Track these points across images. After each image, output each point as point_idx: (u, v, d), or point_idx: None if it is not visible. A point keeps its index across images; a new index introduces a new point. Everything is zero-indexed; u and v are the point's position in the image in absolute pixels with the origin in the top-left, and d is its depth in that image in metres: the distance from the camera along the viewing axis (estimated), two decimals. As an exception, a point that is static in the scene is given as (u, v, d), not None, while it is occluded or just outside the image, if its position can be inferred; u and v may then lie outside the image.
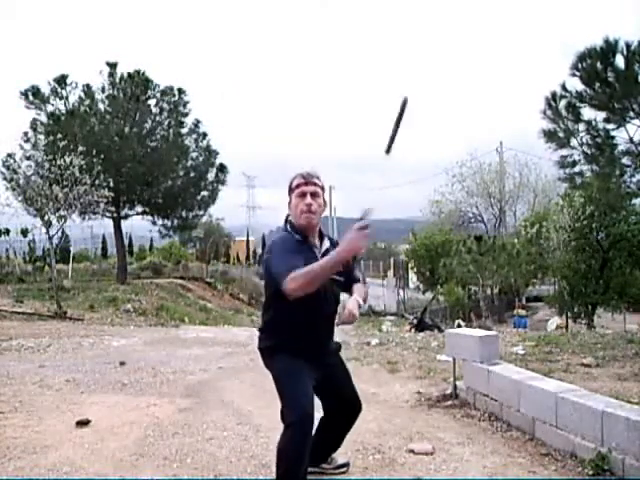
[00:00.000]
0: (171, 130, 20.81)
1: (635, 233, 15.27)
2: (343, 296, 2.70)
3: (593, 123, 8.00)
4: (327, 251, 2.56)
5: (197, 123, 21.27)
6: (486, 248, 18.92)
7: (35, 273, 20.01)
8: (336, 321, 2.60)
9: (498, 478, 3.02)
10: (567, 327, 15.48)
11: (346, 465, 3.07)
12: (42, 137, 18.47)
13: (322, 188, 2.61)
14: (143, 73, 19.91)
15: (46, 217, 13.53)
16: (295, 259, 2.33)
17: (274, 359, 2.58)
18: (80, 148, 14.38)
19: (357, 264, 2.80)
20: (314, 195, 2.54)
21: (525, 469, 3.12)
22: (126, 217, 21.52)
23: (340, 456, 3.08)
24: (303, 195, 2.53)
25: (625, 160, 8.07)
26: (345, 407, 2.76)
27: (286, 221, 2.62)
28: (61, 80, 19.28)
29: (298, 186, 2.55)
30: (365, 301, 2.69)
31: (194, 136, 21.42)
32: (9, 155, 16.19)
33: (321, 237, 2.65)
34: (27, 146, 18.29)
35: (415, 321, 13.48)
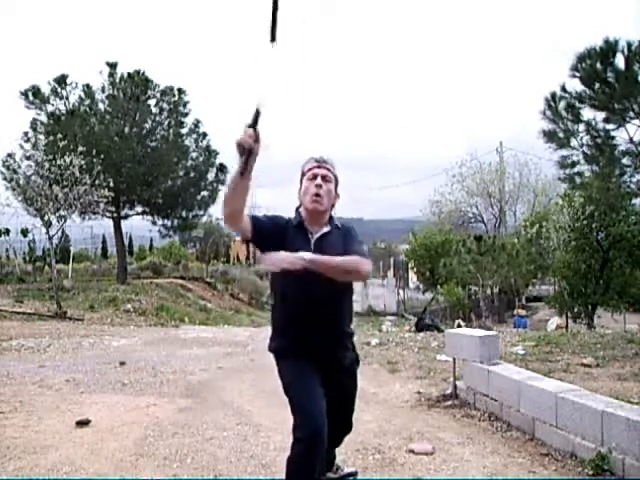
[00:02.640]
0: (171, 130, 20.78)
1: (635, 233, 15.27)
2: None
3: (593, 123, 8.00)
4: (324, 236, 2.40)
5: (197, 123, 21.23)
6: (486, 248, 18.87)
7: (35, 273, 19.97)
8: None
9: (498, 478, 3.02)
10: (567, 327, 15.48)
11: (353, 474, 2.93)
12: (42, 137, 18.41)
13: (336, 178, 2.46)
14: (143, 73, 19.88)
15: (46, 217, 13.53)
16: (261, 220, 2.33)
17: (281, 365, 2.46)
18: (80, 148, 14.36)
19: (359, 244, 2.42)
20: (325, 179, 2.39)
21: (525, 469, 3.12)
22: (126, 217, 21.48)
23: (346, 465, 3.01)
24: (314, 177, 2.39)
25: (625, 160, 8.06)
26: (334, 430, 2.49)
27: (296, 210, 2.48)
28: (61, 80, 19.25)
29: (310, 169, 2.42)
30: (349, 272, 2.26)
31: (194, 136, 21.38)
32: (9, 155, 16.16)
33: (329, 225, 2.45)
34: (27, 146, 18.22)
35: (416, 319, 13.47)
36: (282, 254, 2.14)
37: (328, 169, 2.42)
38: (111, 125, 19.46)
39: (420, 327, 12.15)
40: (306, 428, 2.22)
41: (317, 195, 2.36)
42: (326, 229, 2.43)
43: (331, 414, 2.36)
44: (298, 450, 2.24)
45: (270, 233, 2.32)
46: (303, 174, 2.44)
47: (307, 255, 2.17)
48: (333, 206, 2.48)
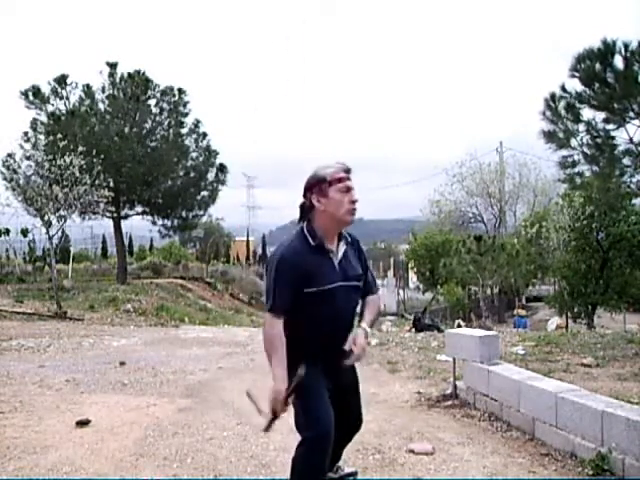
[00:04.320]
0: (171, 130, 20.77)
1: (635, 233, 15.29)
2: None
3: (593, 123, 7.98)
4: (344, 256, 2.37)
5: (197, 123, 21.22)
6: (486, 248, 18.87)
7: (35, 273, 19.97)
8: (346, 361, 2.33)
9: (498, 478, 3.02)
10: (567, 327, 15.49)
11: (353, 474, 2.91)
12: (42, 137, 18.43)
13: None
14: (143, 73, 19.88)
15: (46, 217, 13.52)
16: (288, 296, 2.24)
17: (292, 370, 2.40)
18: (80, 148, 14.35)
19: (367, 263, 2.57)
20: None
21: (525, 469, 3.12)
22: (126, 217, 21.48)
23: (347, 465, 2.99)
24: (348, 190, 2.28)
25: (625, 160, 8.05)
26: (345, 425, 2.51)
27: (308, 221, 2.34)
28: (61, 80, 19.25)
29: (340, 180, 2.27)
30: (376, 320, 2.53)
31: (194, 136, 21.38)
32: (9, 155, 16.13)
33: (339, 238, 2.39)
34: (27, 146, 18.22)
35: (414, 317, 13.49)
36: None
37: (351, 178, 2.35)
38: (111, 125, 19.46)
39: (420, 327, 12.16)
40: (316, 428, 2.25)
41: (355, 209, 2.31)
42: (343, 247, 2.39)
43: (341, 409, 2.40)
44: (306, 450, 2.27)
45: (300, 283, 2.26)
46: (329, 182, 2.27)
47: (364, 337, 2.36)
48: None
